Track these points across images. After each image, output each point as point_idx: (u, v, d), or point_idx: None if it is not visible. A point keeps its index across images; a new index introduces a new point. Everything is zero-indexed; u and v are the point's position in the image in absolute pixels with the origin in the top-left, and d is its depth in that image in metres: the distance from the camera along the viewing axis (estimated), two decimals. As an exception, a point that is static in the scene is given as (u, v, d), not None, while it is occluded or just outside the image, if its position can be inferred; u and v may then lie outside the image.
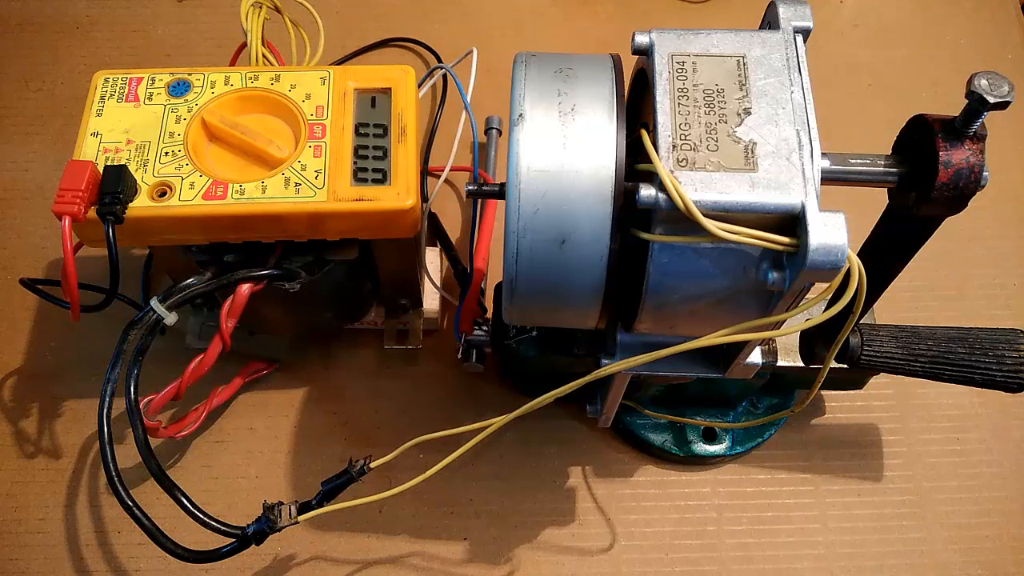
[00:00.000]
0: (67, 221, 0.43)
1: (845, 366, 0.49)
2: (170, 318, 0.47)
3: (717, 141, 0.35)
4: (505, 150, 0.48)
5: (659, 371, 0.44)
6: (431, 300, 0.62)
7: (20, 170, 0.69)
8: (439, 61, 0.73)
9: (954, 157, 0.35)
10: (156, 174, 0.47)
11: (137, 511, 0.46)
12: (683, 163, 0.34)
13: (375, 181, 0.48)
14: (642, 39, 0.37)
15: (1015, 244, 0.67)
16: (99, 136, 0.48)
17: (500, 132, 0.69)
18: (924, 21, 0.78)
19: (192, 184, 0.46)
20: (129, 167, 0.46)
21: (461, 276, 0.62)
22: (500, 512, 0.57)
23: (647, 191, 0.33)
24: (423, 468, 0.45)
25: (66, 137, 0.70)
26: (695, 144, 0.35)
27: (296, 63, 0.59)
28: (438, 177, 0.64)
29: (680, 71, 0.36)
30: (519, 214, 0.36)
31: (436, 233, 0.63)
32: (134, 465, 0.53)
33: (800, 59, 0.37)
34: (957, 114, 0.35)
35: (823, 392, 0.61)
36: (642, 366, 0.40)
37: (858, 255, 0.34)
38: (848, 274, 0.33)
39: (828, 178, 0.37)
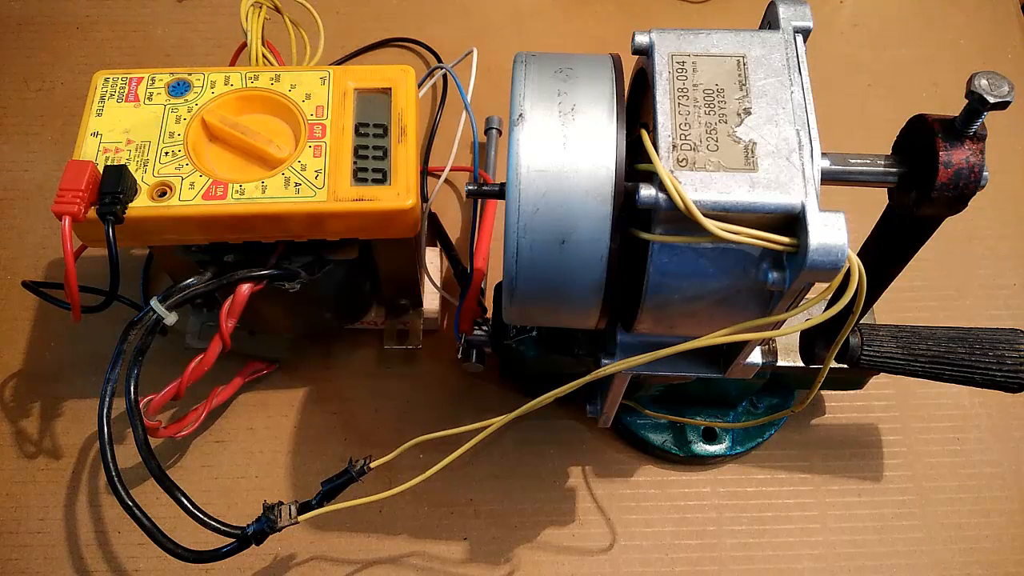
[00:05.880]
0: (67, 221, 0.43)
1: (845, 366, 0.49)
2: (170, 318, 0.47)
3: (717, 141, 0.35)
4: (505, 150, 0.48)
5: (659, 371, 0.44)
6: (431, 300, 0.62)
7: (20, 170, 0.69)
8: (439, 61, 0.73)
9: (954, 157, 0.35)
10: (156, 174, 0.47)
11: (137, 511, 0.46)
12: (683, 163, 0.34)
13: (375, 181, 0.48)
14: (642, 39, 0.37)
15: (1015, 244, 0.67)
16: (99, 136, 0.48)
17: (500, 132, 0.69)
18: (924, 21, 0.78)
19: (192, 184, 0.46)
20: (129, 167, 0.46)
21: (461, 276, 0.62)
22: (500, 512, 0.57)
23: (647, 191, 0.33)
24: (423, 468, 0.45)
25: (66, 137, 0.70)
26: (695, 144, 0.35)
27: (296, 63, 0.59)
28: (438, 177, 0.64)
29: (680, 71, 0.36)
30: (519, 214, 0.36)
31: (436, 233, 0.63)
32: (134, 465, 0.53)
33: (800, 59, 0.37)
34: (957, 114, 0.35)
35: (823, 392, 0.61)
36: (642, 366, 0.40)
37: (858, 255, 0.34)
38: (848, 274, 0.33)
39: (828, 178, 0.37)
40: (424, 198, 0.63)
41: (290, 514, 0.47)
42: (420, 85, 0.66)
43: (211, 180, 0.47)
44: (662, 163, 0.34)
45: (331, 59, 0.72)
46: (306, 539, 0.56)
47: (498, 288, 0.47)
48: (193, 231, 0.47)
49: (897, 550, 0.56)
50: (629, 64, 0.40)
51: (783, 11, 0.38)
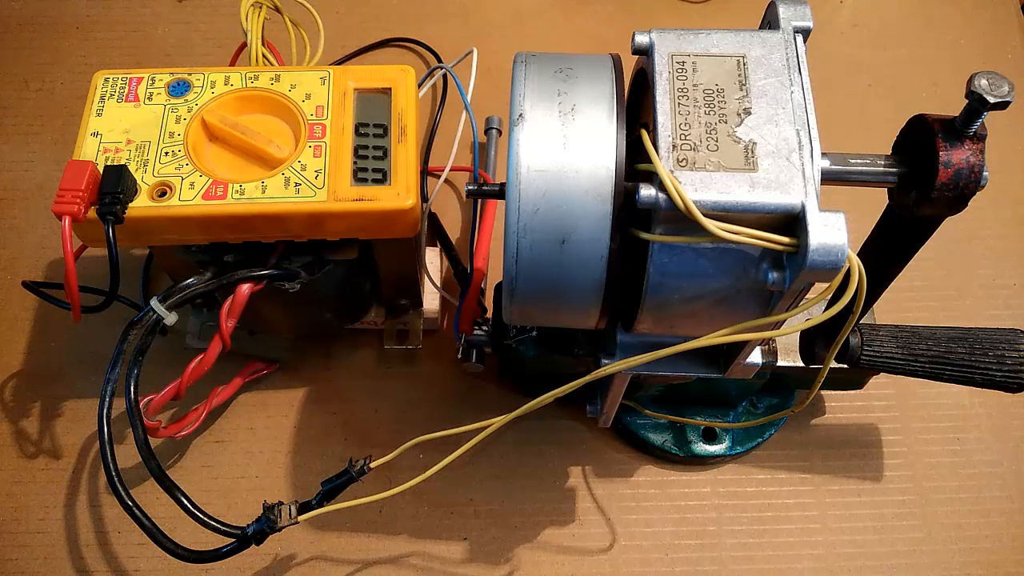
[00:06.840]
0: (67, 221, 0.43)
1: (845, 366, 0.49)
2: (170, 318, 0.47)
3: (717, 141, 0.35)
4: (505, 150, 0.48)
5: (659, 371, 0.44)
6: (431, 300, 0.62)
7: (20, 170, 0.69)
8: (439, 61, 0.73)
9: (954, 157, 0.35)
10: (156, 174, 0.47)
11: (137, 511, 0.46)
12: (683, 163, 0.34)
13: (375, 181, 0.48)
14: (642, 39, 0.37)
15: (1015, 244, 0.67)
16: (99, 136, 0.48)
17: (500, 132, 0.69)
18: (924, 21, 0.78)
19: (192, 184, 0.46)
20: (129, 167, 0.46)
21: (461, 276, 0.62)
22: (500, 512, 0.57)
23: (647, 191, 0.33)
24: (423, 468, 0.45)
25: (66, 137, 0.70)
26: (695, 144, 0.35)
27: (296, 63, 0.59)
28: (438, 177, 0.64)
29: (680, 71, 0.36)
30: (519, 214, 0.36)
31: (436, 233, 0.63)
32: (134, 465, 0.53)
33: (800, 59, 0.37)
34: (957, 114, 0.35)
35: (823, 392, 0.61)
36: (642, 366, 0.40)
37: (858, 255, 0.34)
38: (848, 274, 0.33)
39: (828, 178, 0.37)
40: (424, 198, 0.63)
41: (290, 514, 0.47)
42: (420, 85, 0.66)
43: (211, 180, 0.46)
44: (662, 163, 0.34)
45: (331, 59, 0.72)
46: (306, 539, 0.56)
47: (498, 288, 0.47)
48: (193, 231, 0.47)
49: (897, 550, 0.56)
50: (629, 64, 0.40)
51: (783, 11, 0.38)
